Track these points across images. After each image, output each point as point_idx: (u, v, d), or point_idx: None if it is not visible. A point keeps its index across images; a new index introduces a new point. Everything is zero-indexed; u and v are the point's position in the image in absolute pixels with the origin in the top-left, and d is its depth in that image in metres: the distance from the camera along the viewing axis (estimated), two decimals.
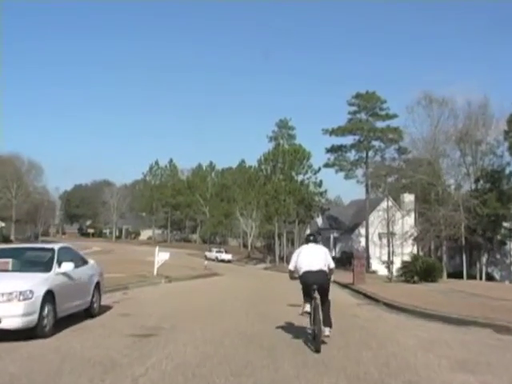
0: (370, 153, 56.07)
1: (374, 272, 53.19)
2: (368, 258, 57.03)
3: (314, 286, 7.75)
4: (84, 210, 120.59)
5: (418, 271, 22.89)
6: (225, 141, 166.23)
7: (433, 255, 52.87)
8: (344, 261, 63.85)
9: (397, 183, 57.92)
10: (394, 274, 52.59)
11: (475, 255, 47.04)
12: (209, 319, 10.80)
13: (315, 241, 8.43)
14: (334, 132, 55.44)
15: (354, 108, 56.48)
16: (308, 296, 7.87)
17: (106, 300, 12.26)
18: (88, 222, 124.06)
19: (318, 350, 7.36)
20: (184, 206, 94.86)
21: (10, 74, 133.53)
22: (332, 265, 8.24)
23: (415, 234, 56.82)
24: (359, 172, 56.31)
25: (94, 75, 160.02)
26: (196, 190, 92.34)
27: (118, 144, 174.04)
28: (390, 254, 55.94)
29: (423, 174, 45.15)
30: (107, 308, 11.85)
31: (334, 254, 66.12)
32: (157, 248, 23.40)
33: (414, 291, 18.28)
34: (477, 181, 46.84)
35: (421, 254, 59.07)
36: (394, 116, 55.10)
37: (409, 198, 54.28)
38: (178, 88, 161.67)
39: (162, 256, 23.06)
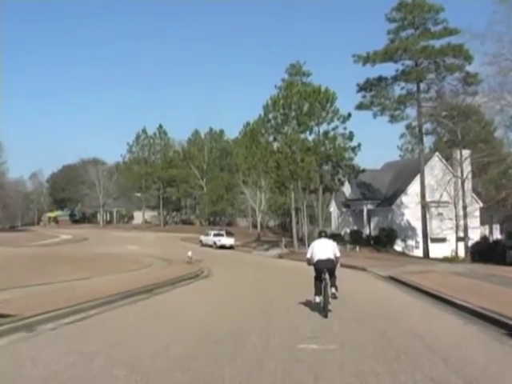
0: (422, 85, 39.39)
1: (445, 261, 37.21)
2: (427, 236, 40.63)
3: (325, 269, 10.88)
4: (70, 193, 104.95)
5: None
6: (232, 111, 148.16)
7: None
8: (383, 240, 47.82)
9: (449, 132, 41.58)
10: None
11: None
12: None
13: (326, 236, 11.94)
14: (369, 59, 38.69)
15: (395, 25, 39.74)
16: (319, 280, 10.97)
17: None
18: (77, 207, 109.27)
19: (325, 316, 10.41)
20: (179, 181, 78.33)
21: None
22: (338, 254, 11.31)
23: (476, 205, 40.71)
24: (410, 113, 39.89)
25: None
26: (193, 161, 75.99)
27: (109, 121, 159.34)
28: (460, 229, 40.00)
29: None
30: None
31: (368, 232, 50.40)
32: None
33: None
34: None
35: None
36: (455, 32, 38.28)
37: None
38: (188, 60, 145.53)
39: None
